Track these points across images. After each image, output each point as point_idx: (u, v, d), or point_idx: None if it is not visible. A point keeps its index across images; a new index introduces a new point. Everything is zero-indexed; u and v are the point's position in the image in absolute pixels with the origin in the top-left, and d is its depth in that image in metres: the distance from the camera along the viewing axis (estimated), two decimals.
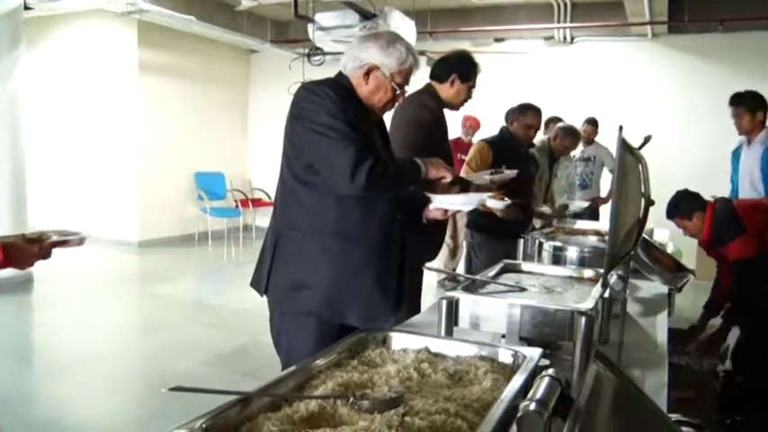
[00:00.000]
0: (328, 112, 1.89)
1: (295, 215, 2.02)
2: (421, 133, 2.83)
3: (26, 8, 6.75)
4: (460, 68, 2.99)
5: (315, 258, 1.98)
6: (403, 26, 6.44)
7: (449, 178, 2.05)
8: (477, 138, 5.63)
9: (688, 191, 3.51)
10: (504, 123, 3.91)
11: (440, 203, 2.07)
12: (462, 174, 3.37)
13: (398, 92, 2.03)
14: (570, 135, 4.57)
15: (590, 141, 6.97)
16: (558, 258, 2.49)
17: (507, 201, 2.16)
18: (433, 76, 3.06)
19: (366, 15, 6.31)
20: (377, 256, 2.01)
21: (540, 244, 2.64)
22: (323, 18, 6.55)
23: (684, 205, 3.44)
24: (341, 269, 1.98)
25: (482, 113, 6.62)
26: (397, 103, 2.12)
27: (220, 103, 9.95)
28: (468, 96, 3.06)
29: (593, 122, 6.86)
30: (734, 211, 3.33)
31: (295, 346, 2.00)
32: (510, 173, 2.78)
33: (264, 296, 2.10)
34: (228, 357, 4.47)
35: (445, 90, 3.00)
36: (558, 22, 8.08)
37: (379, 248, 2.01)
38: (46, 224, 8.76)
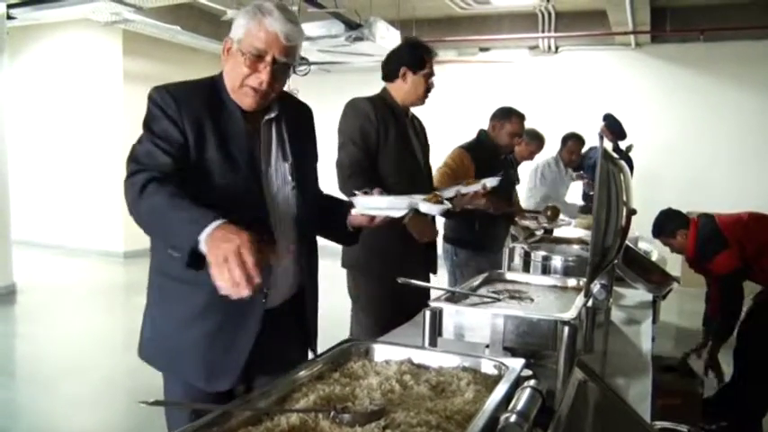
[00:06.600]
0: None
1: (154, 248, 1.70)
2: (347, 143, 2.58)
3: (9, 18, 6.72)
4: (409, 59, 2.64)
5: (154, 301, 1.69)
6: (388, 36, 6.48)
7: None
8: None
9: (671, 209, 3.51)
10: (481, 127, 3.78)
11: (363, 208, 1.71)
12: (438, 180, 3.24)
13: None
14: (536, 139, 4.57)
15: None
16: (542, 268, 2.49)
17: (447, 204, 1.84)
18: (384, 78, 2.72)
19: (351, 25, 6.34)
20: (221, 303, 1.34)
21: (526, 254, 2.64)
22: (308, 28, 6.56)
23: (668, 224, 3.45)
24: (175, 317, 1.63)
25: (467, 123, 6.62)
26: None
27: None
28: (429, 87, 2.67)
29: (580, 140, 6.90)
30: (717, 227, 3.31)
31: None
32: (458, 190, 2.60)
33: None
34: None
35: (398, 88, 2.67)
36: (543, 31, 8.15)
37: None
38: (30, 235, 8.67)
